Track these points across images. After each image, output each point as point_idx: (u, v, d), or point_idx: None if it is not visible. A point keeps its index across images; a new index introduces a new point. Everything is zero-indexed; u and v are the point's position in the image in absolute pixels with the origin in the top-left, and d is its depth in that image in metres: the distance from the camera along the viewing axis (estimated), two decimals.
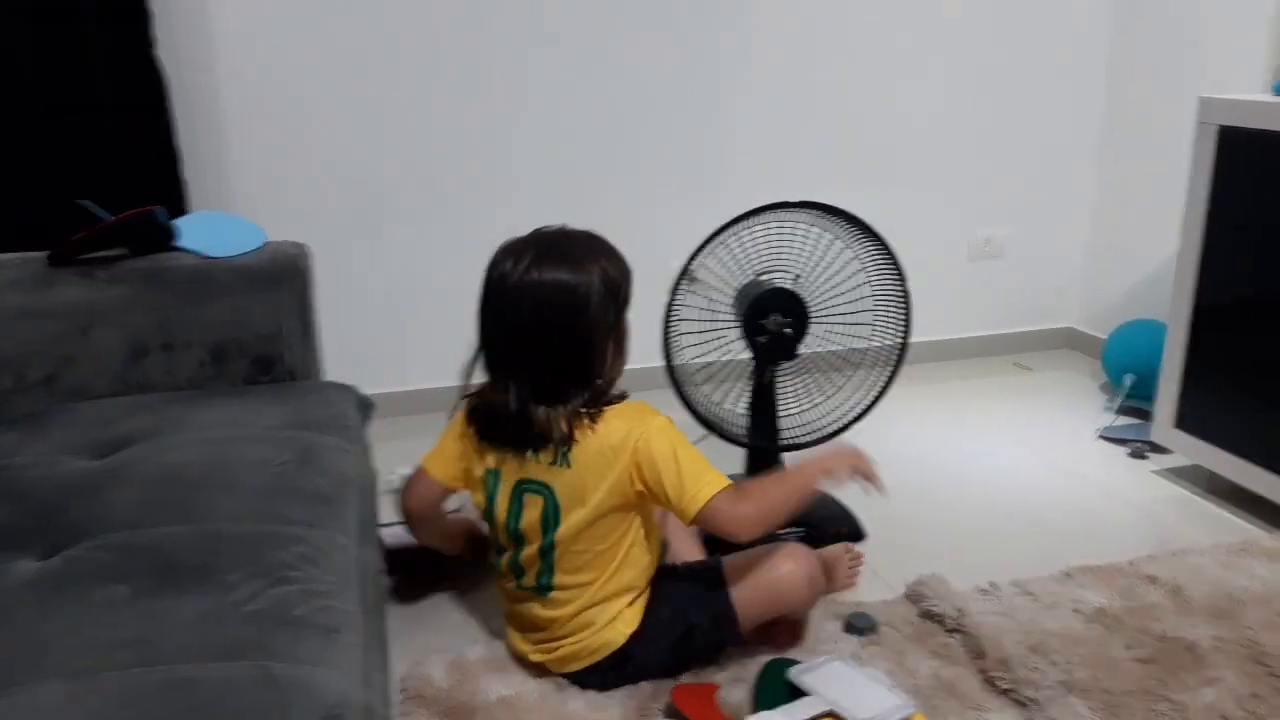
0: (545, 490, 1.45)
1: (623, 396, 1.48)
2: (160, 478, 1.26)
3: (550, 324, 1.39)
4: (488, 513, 1.52)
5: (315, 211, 2.42)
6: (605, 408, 1.44)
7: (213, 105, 2.31)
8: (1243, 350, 2.01)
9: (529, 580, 1.50)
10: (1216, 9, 2.52)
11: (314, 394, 1.58)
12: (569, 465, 1.43)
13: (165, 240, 1.66)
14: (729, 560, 1.55)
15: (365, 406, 1.64)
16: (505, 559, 1.52)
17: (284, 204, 2.38)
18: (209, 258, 1.64)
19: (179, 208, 2.14)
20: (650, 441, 1.42)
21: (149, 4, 2.08)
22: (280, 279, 1.62)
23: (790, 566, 1.52)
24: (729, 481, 1.43)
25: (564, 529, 1.45)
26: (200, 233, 1.68)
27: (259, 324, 1.61)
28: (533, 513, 1.46)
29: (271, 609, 1.00)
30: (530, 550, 1.48)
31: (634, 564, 1.49)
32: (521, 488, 1.47)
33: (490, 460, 1.49)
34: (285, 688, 0.90)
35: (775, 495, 1.49)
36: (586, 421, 1.42)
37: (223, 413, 1.47)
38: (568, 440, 1.42)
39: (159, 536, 1.13)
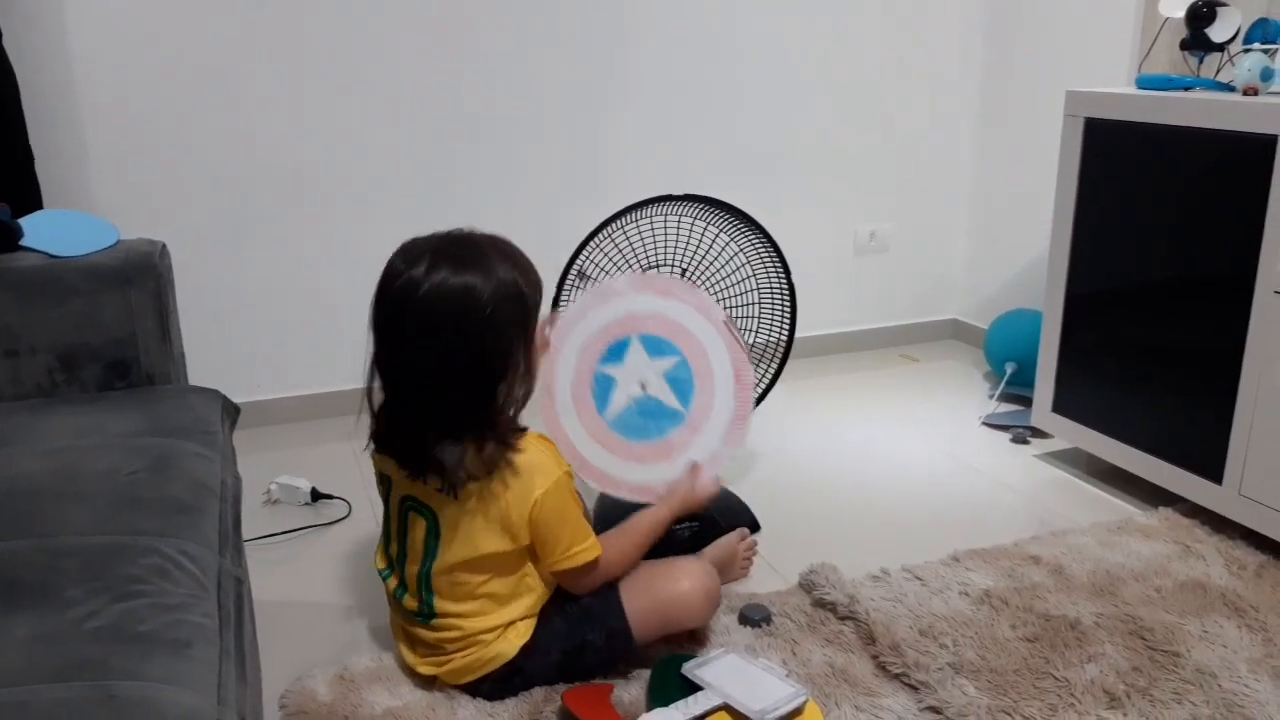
0: (429, 514, 1.38)
1: (523, 429, 1.38)
2: None
3: (439, 333, 1.26)
4: (384, 515, 1.46)
5: (181, 213, 2.30)
6: (507, 449, 1.33)
7: (68, 101, 2.17)
8: (1114, 335, 2.07)
9: (410, 602, 1.44)
10: (1086, 6, 2.61)
11: (174, 399, 1.49)
12: (455, 498, 1.34)
13: (8, 240, 1.56)
14: (626, 578, 1.49)
15: (231, 411, 1.55)
16: (390, 572, 1.47)
17: (147, 205, 2.26)
18: (56, 257, 1.53)
19: (34, 208, 2.01)
20: (548, 500, 1.36)
21: None
22: (133, 278, 1.52)
23: (688, 585, 1.48)
24: (600, 550, 1.42)
25: (440, 561, 1.38)
26: (47, 231, 1.58)
27: (112, 326, 1.51)
28: (417, 533, 1.40)
29: (114, 625, 0.92)
30: (412, 569, 1.42)
31: (528, 593, 1.43)
32: (408, 503, 1.40)
33: (388, 464, 1.40)
34: (127, 707, 0.82)
35: (630, 548, 1.48)
36: (486, 460, 1.32)
37: (71, 421, 1.37)
38: (462, 481, 1.32)
39: None
